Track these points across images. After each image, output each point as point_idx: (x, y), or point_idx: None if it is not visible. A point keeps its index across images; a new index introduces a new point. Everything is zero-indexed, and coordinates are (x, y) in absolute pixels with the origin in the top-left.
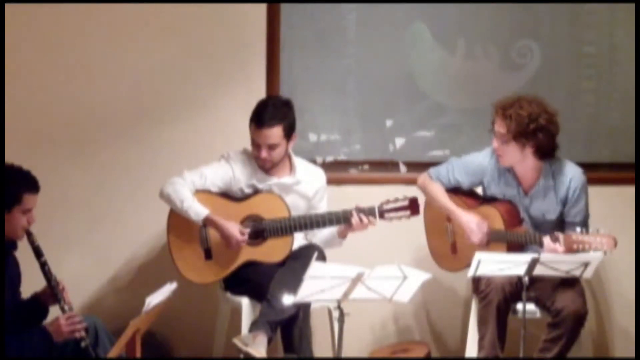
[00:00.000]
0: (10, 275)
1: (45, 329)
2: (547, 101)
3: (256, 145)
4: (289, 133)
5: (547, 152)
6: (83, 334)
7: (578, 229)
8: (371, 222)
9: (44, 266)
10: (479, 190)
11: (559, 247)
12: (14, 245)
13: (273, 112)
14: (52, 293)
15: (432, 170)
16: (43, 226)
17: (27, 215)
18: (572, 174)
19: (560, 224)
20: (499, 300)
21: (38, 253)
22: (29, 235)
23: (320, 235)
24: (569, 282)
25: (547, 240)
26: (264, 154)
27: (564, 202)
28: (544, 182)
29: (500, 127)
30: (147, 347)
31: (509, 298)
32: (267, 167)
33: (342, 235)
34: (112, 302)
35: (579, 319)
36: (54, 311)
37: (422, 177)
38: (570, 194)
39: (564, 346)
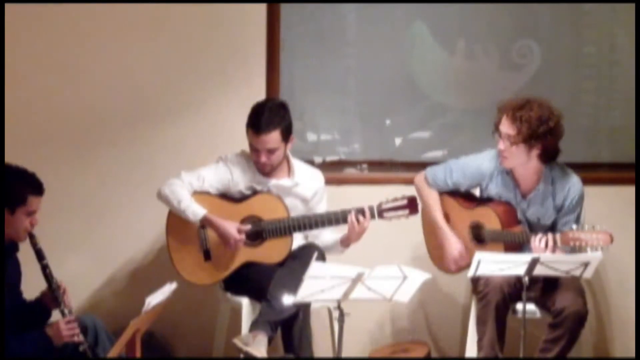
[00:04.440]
0: (11, 276)
1: (44, 332)
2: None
3: (255, 150)
4: (286, 136)
5: (551, 154)
6: (82, 338)
7: (574, 226)
8: (364, 225)
9: (45, 269)
10: (477, 192)
11: (542, 246)
12: (15, 247)
13: (270, 116)
14: (53, 296)
15: (429, 172)
16: (43, 226)
17: (30, 218)
18: (571, 183)
19: (554, 230)
20: (498, 300)
21: (40, 256)
22: (32, 237)
23: (322, 240)
24: (569, 282)
25: (533, 239)
26: (263, 158)
27: (559, 210)
28: (544, 187)
29: (509, 129)
30: (147, 347)
31: (508, 298)
32: (266, 171)
33: (345, 245)
34: (112, 303)
35: (580, 319)
36: (55, 314)
37: (419, 178)
38: (567, 203)
39: (565, 347)
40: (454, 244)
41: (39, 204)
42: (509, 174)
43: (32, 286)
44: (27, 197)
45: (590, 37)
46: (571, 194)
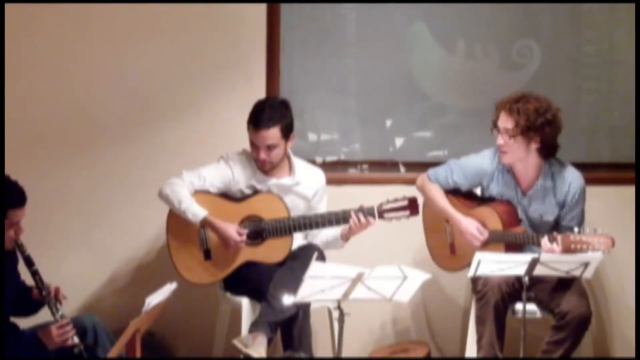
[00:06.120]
0: (10, 270)
1: (37, 336)
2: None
3: (255, 146)
4: (287, 133)
5: (550, 148)
6: (76, 340)
7: (576, 229)
8: (370, 222)
9: (35, 275)
10: (478, 191)
11: (556, 247)
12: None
13: (270, 113)
14: (44, 302)
15: (431, 172)
16: (43, 226)
17: (15, 227)
18: (571, 178)
19: (557, 226)
20: (496, 300)
21: (29, 262)
22: (20, 246)
23: (321, 236)
24: (572, 284)
25: (544, 240)
26: (262, 155)
27: (562, 206)
28: (543, 182)
29: (507, 123)
30: (147, 347)
31: (507, 298)
32: (266, 169)
33: (345, 238)
34: (112, 303)
35: (585, 322)
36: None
37: (421, 179)
38: (569, 198)
39: (568, 349)
40: (469, 223)
41: (22, 214)
42: (510, 171)
43: (29, 281)
44: (6, 212)
45: (590, 37)
46: (572, 189)
